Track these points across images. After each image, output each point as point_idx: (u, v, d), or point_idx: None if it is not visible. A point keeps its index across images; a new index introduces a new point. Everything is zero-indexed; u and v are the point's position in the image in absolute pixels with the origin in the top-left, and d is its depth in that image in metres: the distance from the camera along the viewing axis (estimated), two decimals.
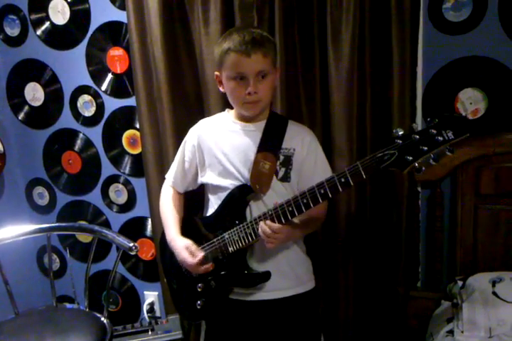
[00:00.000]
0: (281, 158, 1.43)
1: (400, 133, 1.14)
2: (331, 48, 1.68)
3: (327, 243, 1.81)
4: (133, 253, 1.67)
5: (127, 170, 2.20)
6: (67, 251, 2.34)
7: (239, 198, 1.43)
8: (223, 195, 1.47)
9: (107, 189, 2.26)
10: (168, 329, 1.98)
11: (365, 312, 1.84)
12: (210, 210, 1.53)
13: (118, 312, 2.35)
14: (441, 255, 1.74)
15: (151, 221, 2.08)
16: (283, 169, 1.43)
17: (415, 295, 1.73)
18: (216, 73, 1.45)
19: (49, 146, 2.34)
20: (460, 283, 1.58)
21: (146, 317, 2.20)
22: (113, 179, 2.24)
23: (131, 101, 2.08)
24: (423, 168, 1.14)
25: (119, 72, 2.09)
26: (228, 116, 1.53)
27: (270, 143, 1.43)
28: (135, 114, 2.08)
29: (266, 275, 1.40)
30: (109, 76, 2.11)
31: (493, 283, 1.50)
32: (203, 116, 1.89)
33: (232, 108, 1.51)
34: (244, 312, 1.49)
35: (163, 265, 1.70)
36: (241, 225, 1.39)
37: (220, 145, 1.48)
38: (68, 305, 1.91)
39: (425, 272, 1.83)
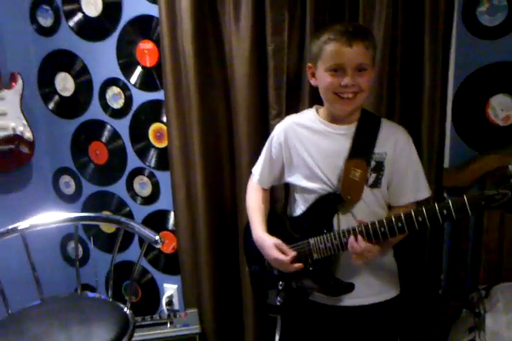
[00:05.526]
0: (373, 163, 1.35)
1: None
2: None
3: None
4: (158, 246, 1.68)
5: (152, 163, 2.22)
6: (91, 240, 2.38)
7: (328, 206, 1.39)
8: (310, 197, 1.43)
9: (132, 181, 2.29)
10: (186, 322, 2.00)
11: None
12: (297, 211, 1.50)
13: (137, 303, 2.38)
14: (464, 263, 1.73)
15: (174, 214, 2.10)
16: (374, 175, 1.36)
17: (436, 303, 1.72)
18: (309, 64, 1.40)
19: (77, 136, 2.38)
20: (483, 292, 1.56)
21: (165, 310, 2.23)
22: (138, 171, 2.26)
23: (159, 95, 2.10)
24: None
25: (148, 65, 2.10)
26: (316, 115, 1.45)
27: (361, 149, 1.36)
28: (162, 108, 2.09)
29: (349, 287, 1.37)
30: (139, 69, 2.13)
31: None
32: (230, 113, 1.92)
33: (321, 104, 1.45)
34: (321, 315, 1.48)
35: (247, 257, 1.68)
36: (328, 234, 1.35)
37: (307, 147, 1.43)
38: (90, 294, 1.95)
39: (447, 279, 1.81)
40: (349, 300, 1.41)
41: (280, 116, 1.75)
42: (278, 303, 1.49)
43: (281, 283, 1.49)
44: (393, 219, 1.23)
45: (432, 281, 1.77)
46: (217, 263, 2.02)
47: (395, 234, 1.24)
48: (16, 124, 2.18)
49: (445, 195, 1.74)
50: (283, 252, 1.41)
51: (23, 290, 1.84)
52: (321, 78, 1.34)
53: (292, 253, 1.40)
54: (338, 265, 1.41)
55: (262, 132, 1.81)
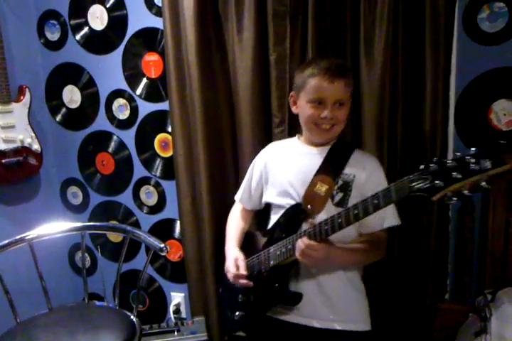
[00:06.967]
0: (340, 182, 1.42)
1: (435, 159, 1.11)
2: (363, 56, 1.68)
3: None
4: (163, 253, 1.71)
5: (158, 173, 2.25)
6: (99, 250, 2.40)
7: (292, 217, 1.46)
8: (280, 212, 1.50)
9: (138, 190, 2.31)
10: (193, 330, 2.01)
11: (391, 324, 1.82)
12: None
13: (145, 311, 2.39)
14: (470, 267, 1.72)
15: (180, 223, 2.11)
16: (340, 194, 1.42)
17: (443, 308, 1.71)
18: (292, 93, 1.52)
19: (84, 147, 2.41)
20: (489, 296, 1.56)
21: (172, 318, 2.24)
22: (144, 181, 2.29)
23: (164, 106, 2.13)
24: (454, 199, 1.08)
25: (153, 76, 2.14)
26: (297, 141, 1.58)
27: (330, 167, 1.44)
28: (167, 118, 2.12)
29: (296, 297, 1.39)
30: (144, 80, 2.17)
31: None
32: (233, 121, 1.94)
33: (301, 134, 1.56)
34: (278, 333, 1.48)
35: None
36: (284, 240, 1.41)
37: (284, 167, 1.53)
38: (97, 303, 1.96)
39: (454, 284, 1.81)
40: (305, 319, 1.42)
41: (283, 125, 1.79)
42: (236, 318, 1.52)
43: (240, 296, 1.53)
44: (335, 215, 1.28)
45: (438, 286, 1.77)
46: (223, 271, 2.02)
47: (335, 230, 1.28)
48: (24, 136, 2.21)
49: None
50: (237, 266, 1.49)
51: (31, 300, 1.86)
52: (303, 108, 1.45)
53: (243, 271, 1.49)
54: (296, 280, 1.43)
55: (265, 140, 1.82)
